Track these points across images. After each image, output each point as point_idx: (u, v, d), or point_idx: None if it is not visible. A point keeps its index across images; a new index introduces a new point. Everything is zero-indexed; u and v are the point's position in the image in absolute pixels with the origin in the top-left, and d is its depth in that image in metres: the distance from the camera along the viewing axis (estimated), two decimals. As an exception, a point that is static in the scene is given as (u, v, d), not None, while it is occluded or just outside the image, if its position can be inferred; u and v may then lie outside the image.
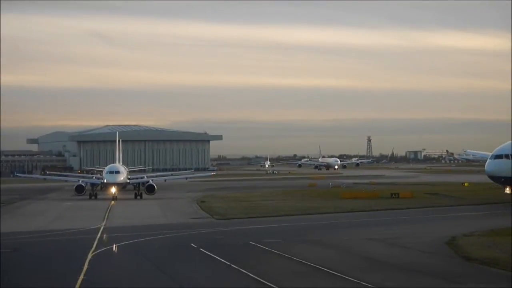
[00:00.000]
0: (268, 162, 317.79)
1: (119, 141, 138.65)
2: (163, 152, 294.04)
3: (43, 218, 78.62)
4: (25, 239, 58.75)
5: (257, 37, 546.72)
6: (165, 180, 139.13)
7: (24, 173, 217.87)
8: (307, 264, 42.40)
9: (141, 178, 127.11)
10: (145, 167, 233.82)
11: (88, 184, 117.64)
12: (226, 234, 61.22)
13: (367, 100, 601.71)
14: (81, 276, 38.92)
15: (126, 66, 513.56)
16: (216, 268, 42.32)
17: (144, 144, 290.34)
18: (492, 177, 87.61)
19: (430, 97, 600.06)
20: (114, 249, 51.30)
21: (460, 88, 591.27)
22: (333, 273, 39.13)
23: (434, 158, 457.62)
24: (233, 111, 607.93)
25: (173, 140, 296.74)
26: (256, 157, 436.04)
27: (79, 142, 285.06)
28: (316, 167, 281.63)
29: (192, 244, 52.32)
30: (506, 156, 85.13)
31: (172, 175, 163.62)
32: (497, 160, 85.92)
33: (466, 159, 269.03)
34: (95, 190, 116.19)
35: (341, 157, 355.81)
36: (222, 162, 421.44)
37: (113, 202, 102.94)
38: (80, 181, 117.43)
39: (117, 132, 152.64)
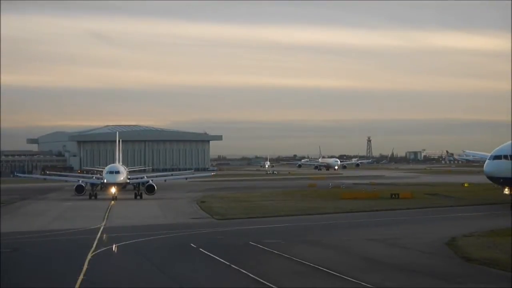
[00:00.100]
0: (268, 163, 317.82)
1: (119, 141, 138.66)
2: (163, 152, 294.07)
3: (43, 218, 78.62)
4: (25, 239, 58.77)
5: (257, 37, 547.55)
6: (165, 180, 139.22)
7: (24, 173, 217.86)
8: (307, 265, 42.41)
9: (141, 178, 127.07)
10: (145, 167, 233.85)
11: (88, 184, 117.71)
12: (226, 234, 61.23)
13: (367, 101, 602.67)
14: (81, 276, 38.93)
15: (126, 66, 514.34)
16: (216, 268, 42.33)
17: (144, 144, 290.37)
18: (491, 178, 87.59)
19: (430, 97, 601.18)
20: (114, 249, 51.31)
21: (460, 89, 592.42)
22: (333, 274, 39.14)
23: (434, 159, 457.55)
24: (233, 111, 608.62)
25: (173, 140, 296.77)
26: (256, 157, 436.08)
27: (79, 142, 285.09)
28: (316, 167, 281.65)
29: (192, 244, 52.32)
30: (505, 157, 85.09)
31: (172, 175, 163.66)
32: (496, 161, 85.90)
33: (466, 159, 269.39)
34: (95, 190, 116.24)
35: (341, 157, 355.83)
36: (222, 162, 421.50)
37: (113, 202, 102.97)
38: (80, 181, 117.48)
39: (117, 132, 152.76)
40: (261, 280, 37.12)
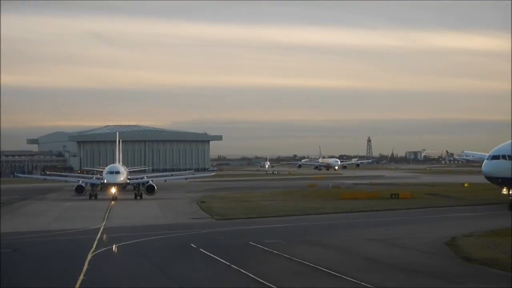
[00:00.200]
0: (268, 163, 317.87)
1: (119, 141, 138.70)
2: (163, 152, 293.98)
3: (43, 218, 78.65)
4: (25, 239, 58.80)
5: (257, 37, 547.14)
6: (165, 181, 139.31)
7: (24, 173, 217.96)
8: (306, 265, 42.43)
9: (141, 178, 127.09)
10: (145, 167, 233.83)
11: (88, 184, 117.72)
12: (226, 234, 61.26)
13: (367, 101, 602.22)
14: (81, 276, 38.95)
15: (126, 66, 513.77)
16: (216, 268, 42.36)
17: (144, 144, 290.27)
18: (489, 178, 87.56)
19: (430, 97, 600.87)
20: (114, 249, 51.34)
21: (460, 89, 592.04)
22: (333, 274, 39.16)
23: (434, 159, 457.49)
24: (233, 111, 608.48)
25: (173, 140, 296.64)
26: (256, 157, 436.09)
27: (79, 142, 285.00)
28: (316, 167, 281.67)
29: (192, 245, 52.34)
30: (503, 157, 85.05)
31: (172, 175, 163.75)
32: (494, 161, 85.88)
33: (466, 159, 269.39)
34: (95, 191, 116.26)
35: (341, 157, 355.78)
36: (222, 162, 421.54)
37: (113, 202, 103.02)
38: (80, 181, 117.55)
39: (117, 132, 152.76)
40: (261, 280, 37.14)
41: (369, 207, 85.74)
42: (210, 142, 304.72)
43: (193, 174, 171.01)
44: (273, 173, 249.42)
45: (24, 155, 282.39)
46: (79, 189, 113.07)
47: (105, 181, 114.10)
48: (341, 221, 72.40)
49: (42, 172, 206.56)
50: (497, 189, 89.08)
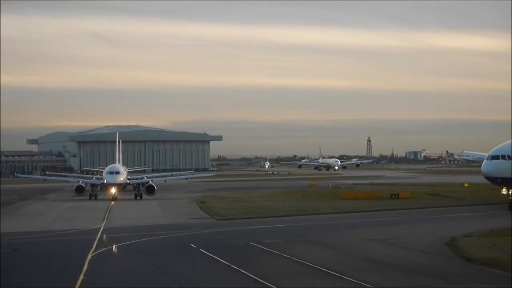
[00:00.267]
0: (268, 163, 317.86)
1: (119, 141, 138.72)
2: (163, 152, 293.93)
3: (43, 219, 78.68)
4: (25, 239, 58.82)
5: (257, 37, 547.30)
6: (165, 181, 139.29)
7: (24, 173, 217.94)
8: (306, 265, 42.43)
9: (141, 178, 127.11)
10: (145, 167, 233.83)
11: (88, 184, 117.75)
12: (226, 234, 61.27)
13: (367, 101, 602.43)
14: (81, 277, 38.96)
15: (126, 66, 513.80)
16: (216, 268, 42.36)
17: (144, 144, 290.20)
18: (488, 178, 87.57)
19: (430, 97, 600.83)
20: (114, 250, 51.35)
21: (460, 89, 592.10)
22: (333, 274, 39.17)
23: (434, 159, 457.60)
24: (233, 111, 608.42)
25: (173, 140, 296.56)
26: (256, 157, 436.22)
27: (79, 142, 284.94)
28: (316, 167, 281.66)
29: (192, 245, 52.36)
30: (503, 157, 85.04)
31: (172, 175, 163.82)
32: (493, 161, 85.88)
33: (466, 159, 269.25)
34: (95, 191, 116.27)
35: (341, 157, 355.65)
36: (222, 162, 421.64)
37: (113, 202, 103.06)
38: (80, 181, 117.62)
39: (117, 133, 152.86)
40: (261, 280, 37.14)
41: (369, 207, 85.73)
42: (210, 142, 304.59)
43: (193, 174, 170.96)
44: (273, 173, 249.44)
45: (24, 155, 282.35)
46: (79, 190, 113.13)
47: (105, 181, 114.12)
48: (341, 221, 72.40)
49: (42, 172, 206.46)
50: (497, 189, 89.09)
